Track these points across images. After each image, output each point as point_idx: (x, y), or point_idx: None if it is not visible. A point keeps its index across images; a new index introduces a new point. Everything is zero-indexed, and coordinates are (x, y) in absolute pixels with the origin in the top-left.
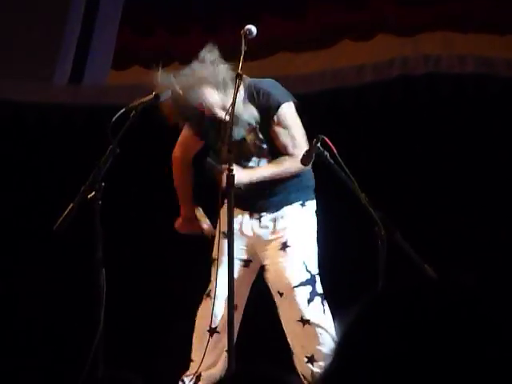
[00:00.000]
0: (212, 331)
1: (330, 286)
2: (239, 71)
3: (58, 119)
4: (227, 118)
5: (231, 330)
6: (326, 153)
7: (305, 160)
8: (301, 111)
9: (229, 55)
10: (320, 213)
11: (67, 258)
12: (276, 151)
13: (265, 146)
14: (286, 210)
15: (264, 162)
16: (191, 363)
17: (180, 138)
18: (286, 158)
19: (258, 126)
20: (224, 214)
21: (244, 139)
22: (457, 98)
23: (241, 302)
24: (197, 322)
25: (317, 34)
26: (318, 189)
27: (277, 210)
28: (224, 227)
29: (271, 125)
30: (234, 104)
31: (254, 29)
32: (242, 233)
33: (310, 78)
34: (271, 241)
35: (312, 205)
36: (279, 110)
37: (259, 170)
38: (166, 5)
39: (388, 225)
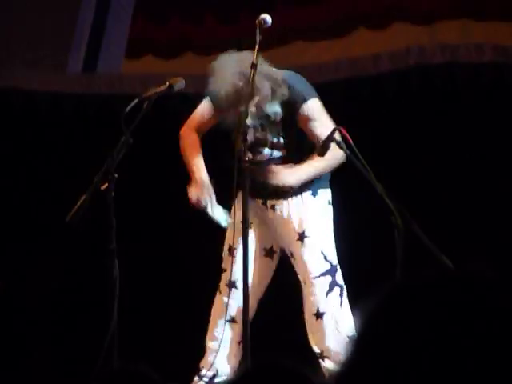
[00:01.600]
0: (230, 321)
1: (347, 276)
2: (254, 61)
3: (71, 108)
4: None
5: (246, 323)
6: (342, 143)
7: (321, 151)
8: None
9: (244, 44)
10: (337, 203)
11: (80, 249)
12: (292, 146)
13: (281, 140)
14: (300, 199)
15: (277, 153)
16: (207, 350)
17: (193, 116)
18: (335, 152)
19: (279, 119)
20: (239, 202)
21: (262, 128)
22: (474, 87)
23: (258, 292)
24: (213, 311)
25: (332, 23)
26: (334, 180)
27: (290, 199)
28: (240, 216)
29: (298, 121)
30: (252, 94)
31: (268, 18)
32: (262, 221)
33: (325, 67)
34: (286, 232)
35: (325, 194)
36: (304, 104)
37: (305, 168)
38: None
39: (405, 215)
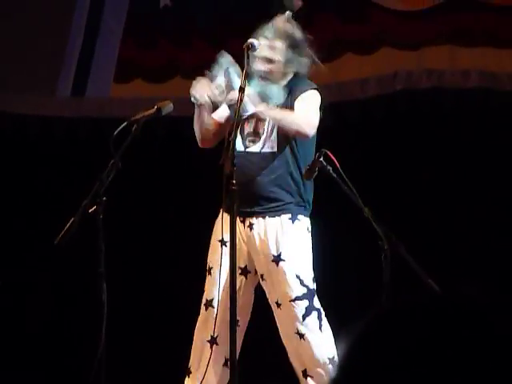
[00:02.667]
0: (212, 342)
1: (333, 300)
2: (241, 85)
3: (60, 132)
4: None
5: (233, 345)
6: (328, 167)
7: (308, 174)
8: None
9: None
10: (323, 227)
11: (68, 272)
12: (282, 144)
13: (274, 136)
14: (278, 220)
15: (267, 149)
16: (190, 374)
17: None
18: (297, 110)
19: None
20: (219, 222)
21: (259, 120)
22: (460, 112)
23: (243, 314)
24: (196, 332)
25: (320, 48)
26: (320, 204)
27: (268, 218)
28: (219, 235)
29: (296, 101)
30: (239, 103)
31: (256, 42)
32: (238, 240)
33: None
34: (263, 250)
35: (304, 221)
36: (309, 91)
37: (266, 108)
38: (169, 17)
39: (392, 238)
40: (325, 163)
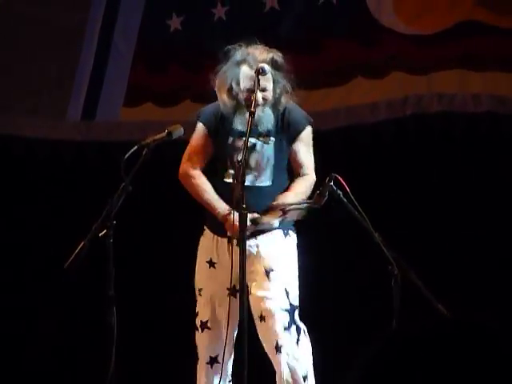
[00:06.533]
0: (212, 362)
1: (344, 324)
2: (252, 109)
3: (70, 155)
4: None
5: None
6: (338, 191)
7: (318, 199)
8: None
9: None
10: (332, 251)
11: (78, 296)
12: (281, 171)
13: (270, 164)
14: (270, 236)
15: (263, 180)
16: None
17: (190, 150)
18: (302, 182)
19: (274, 140)
20: (205, 242)
21: (255, 150)
22: (470, 137)
23: (231, 333)
24: (202, 353)
25: (331, 72)
26: (330, 228)
27: (260, 236)
28: (205, 256)
29: (295, 140)
30: (248, 133)
31: (266, 67)
32: (225, 260)
33: (323, 115)
34: (255, 266)
35: (294, 236)
36: (307, 128)
37: (292, 194)
38: (179, 41)
39: (402, 264)
40: (335, 188)
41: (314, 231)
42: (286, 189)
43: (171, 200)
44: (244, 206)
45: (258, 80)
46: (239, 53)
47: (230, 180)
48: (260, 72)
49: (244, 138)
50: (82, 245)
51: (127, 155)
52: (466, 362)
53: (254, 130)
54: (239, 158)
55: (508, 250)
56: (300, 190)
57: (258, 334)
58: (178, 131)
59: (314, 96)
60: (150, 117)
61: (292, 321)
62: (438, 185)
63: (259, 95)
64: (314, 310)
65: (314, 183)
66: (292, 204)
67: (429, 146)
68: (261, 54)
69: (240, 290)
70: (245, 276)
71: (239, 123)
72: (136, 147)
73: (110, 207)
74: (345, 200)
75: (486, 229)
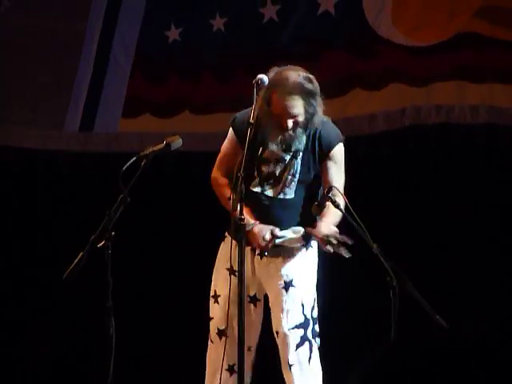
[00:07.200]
0: (228, 370)
1: (342, 336)
2: (251, 120)
3: (68, 166)
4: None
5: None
6: (337, 202)
7: (316, 210)
8: None
9: (240, 103)
10: (330, 262)
11: (77, 307)
12: (305, 185)
13: (296, 178)
14: (291, 249)
15: (284, 195)
16: None
17: (221, 157)
18: (332, 212)
19: (302, 154)
20: (226, 249)
21: (283, 163)
22: (469, 148)
23: (252, 341)
24: (208, 362)
25: (328, 83)
26: None
27: (281, 248)
28: (226, 263)
29: (326, 158)
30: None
31: (265, 78)
32: (247, 268)
33: None
34: (274, 278)
35: (315, 247)
36: (338, 146)
37: (324, 230)
38: (177, 52)
39: (400, 275)
40: (333, 199)
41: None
42: (310, 204)
43: (169, 211)
44: (242, 217)
45: (257, 91)
46: (273, 77)
47: (256, 189)
48: (258, 83)
49: (274, 152)
50: (81, 256)
51: (126, 166)
52: (464, 373)
53: (286, 148)
54: (268, 169)
55: (506, 260)
56: (331, 220)
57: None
58: (177, 142)
59: None
60: (149, 128)
61: (305, 337)
62: (436, 196)
63: (290, 122)
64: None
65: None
66: (327, 236)
67: (427, 157)
68: (292, 80)
69: (238, 300)
70: (243, 284)
71: (272, 141)
72: (134, 158)
73: (108, 218)
74: (343, 211)
75: (485, 240)
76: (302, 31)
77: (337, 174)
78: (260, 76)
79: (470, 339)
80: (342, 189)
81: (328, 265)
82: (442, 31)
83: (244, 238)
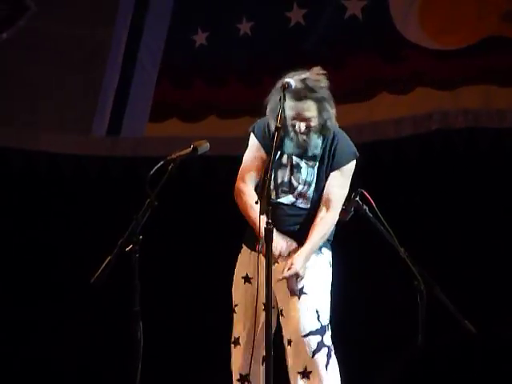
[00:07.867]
0: (243, 379)
1: (369, 341)
2: (278, 124)
3: (95, 171)
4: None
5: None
6: (364, 207)
7: (344, 214)
8: None
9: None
10: (358, 266)
11: (104, 311)
12: (315, 200)
13: (311, 188)
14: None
15: (299, 204)
16: None
17: (244, 166)
18: (326, 217)
19: (318, 164)
20: (244, 257)
21: (299, 171)
22: (496, 152)
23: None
24: (233, 370)
25: (355, 87)
26: (356, 244)
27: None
28: (242, 271)
29: (334, 170)
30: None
31: (292, 82)
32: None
33: (348, 130)
34: (285, 286)
35: (327, 254)
36: (351, 162)
37: (309, 246)
38: (204, 56)
39: (427, 279)
40: (361, 203)
41: (341, 246)
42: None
43: (196, 215)
44: (270, 221)
45: (284, 95)
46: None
47: (272, 196)
48: (286, 87)
49: (290, 158)
50: (108, 260)
51: (153, 171)
52: (493, 378)
53: (302, 153)
54: (284, 176)
55: None
56: (316, 240)
57: (284, 357)
58: (204, 147)
59: (338, 111)
60: (176, 132)
61: (322, 342)
62: (463, 201)
63: (302, 125)
64: (338, 325)
65: (333, 223)
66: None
67: (454, 161)
68: (305, 84)
69: (266, 307)
70: (270, 290)
71: (288, 145)
72: (161, 163)
73: (135, 222)
74: (370, 215)
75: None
76: (329, 35)
77: (340, 188)
78: (287, 79)
79: (499, 344)
80: (342, 199)
81: (355, 269)
82: (470, 35)
83: (270, 242)
